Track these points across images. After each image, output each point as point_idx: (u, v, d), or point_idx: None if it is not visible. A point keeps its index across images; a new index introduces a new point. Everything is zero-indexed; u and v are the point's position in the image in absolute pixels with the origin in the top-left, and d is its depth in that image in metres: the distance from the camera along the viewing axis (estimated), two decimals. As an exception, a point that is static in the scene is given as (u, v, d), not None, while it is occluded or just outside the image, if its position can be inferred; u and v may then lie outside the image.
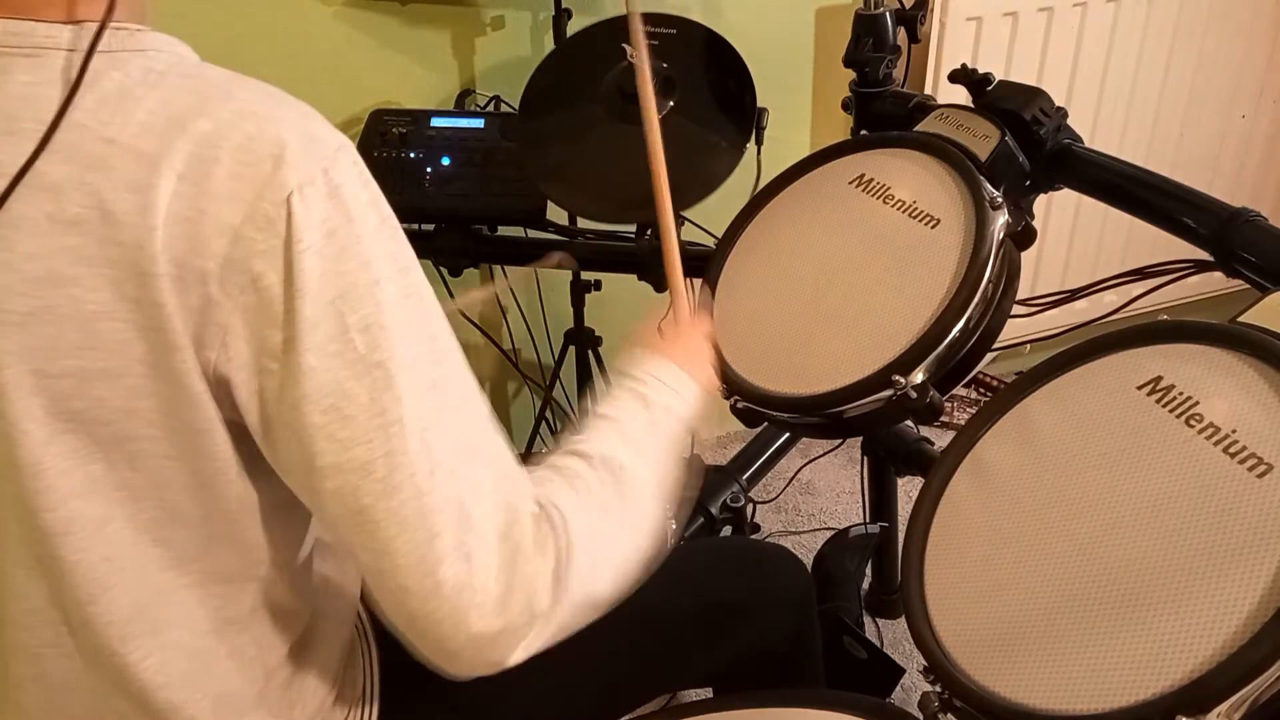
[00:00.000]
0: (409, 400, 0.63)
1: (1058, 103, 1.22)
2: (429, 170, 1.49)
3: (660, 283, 1.51)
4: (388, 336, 0.63)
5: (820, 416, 1.06)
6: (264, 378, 0.62)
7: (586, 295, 1.74)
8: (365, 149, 1.50)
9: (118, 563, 0.67)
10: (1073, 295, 1.31)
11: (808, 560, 1.65)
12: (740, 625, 1.01)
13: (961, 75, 1.27)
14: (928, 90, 1.83)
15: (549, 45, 1.64)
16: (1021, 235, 1.10)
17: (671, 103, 1.35)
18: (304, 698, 0.80)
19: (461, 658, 0.67)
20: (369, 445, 0.63)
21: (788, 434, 1.68)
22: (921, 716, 0.82)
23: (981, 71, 1.25)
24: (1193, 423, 0.80)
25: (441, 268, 1.59)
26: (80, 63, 0.61)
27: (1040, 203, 1.25)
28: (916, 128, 1.24)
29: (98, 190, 0.60)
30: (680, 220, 1.54)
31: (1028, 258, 1.14)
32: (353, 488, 0.63)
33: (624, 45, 1.32)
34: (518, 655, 0.67)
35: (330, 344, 0.62)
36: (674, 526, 0.86)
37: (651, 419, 0.81)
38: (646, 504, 0.78)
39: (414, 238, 1.64)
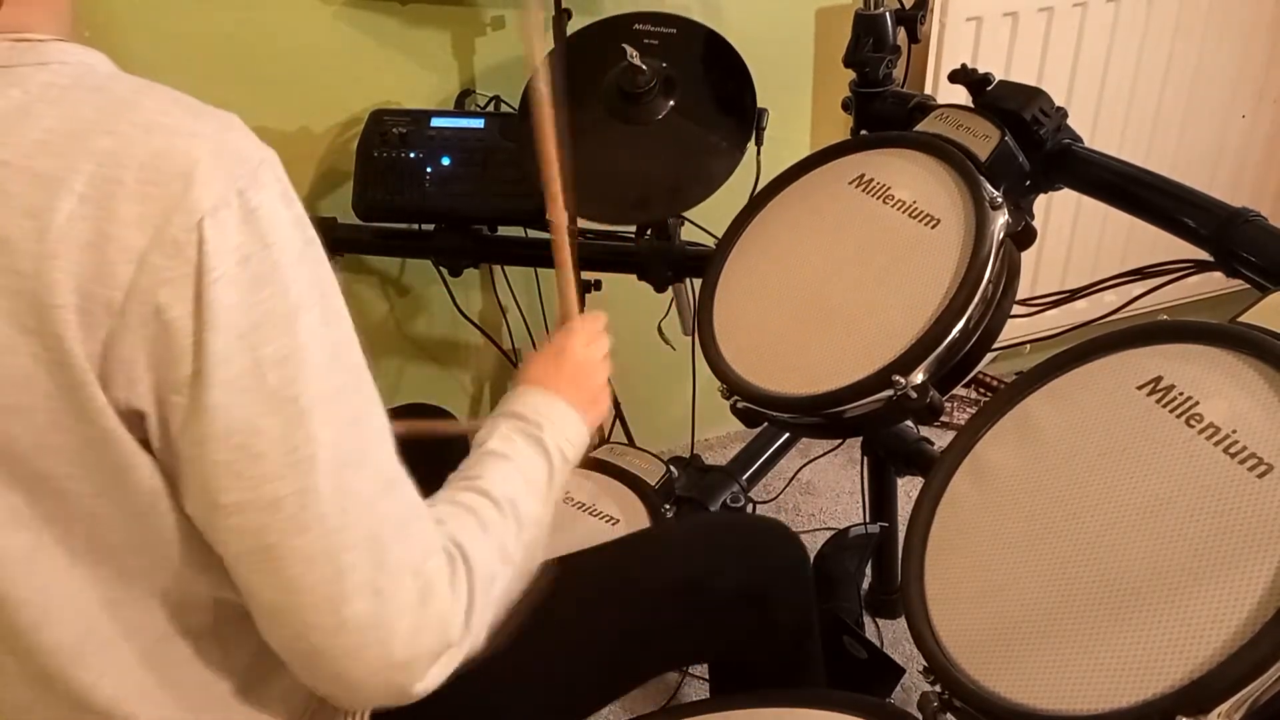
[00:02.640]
0: (324, 435, 0.60)
1: (1058, 103, 1.22)
2: (429, 170, 1.49)
3: (661, 283, 1.51)
4: (304, 369, 0.60)
5: (820, 416, 1.06)
6: (166, 409, 0.59)
7: (586, 295, 1.74)
8: (365, 149, 1.50)
9: (56, 589, 0.65)
10: (1073, 295, 1.31)
11: (808, 560, 1.65)
12: (734, 601, 1.00)
13: (961, 75, 1.27)
14: (928, 90, 1.83)
15: (549, 45, 1.64)
16: (1021, 235, 1.10)
17: (671, 103, 1.35)
18: (286, 692, 0.77)
19: (362, 691, 0.65)
20: (279, 483, 0.60)
21: (788, 434, 1.68)
22: (921, 716, 0.82)
23: (981, 71, 1.25)
24: (1193, 423, 0.80)
25: (441, 268, 1.59)
26: None
27: (1040, 203, 1.25)
28: (916, 128, 1.24)
29: None
30: (680, 220, 1.54)
31: (1028, 258, 1.14)
32: (258, 525, 0.60)
33: (624, 46, 1.32)
34: (421, 688, 0.66)
35: (241, 379, 0.58)
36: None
37: (549, 466, 0.80)
38: (536, 548, 0.77)
39: (414, 238, 1.66)
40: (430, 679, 0.66)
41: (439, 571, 0.66)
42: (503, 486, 0.75)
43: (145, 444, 0.61)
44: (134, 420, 0.60)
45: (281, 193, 0.61)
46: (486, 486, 0.74)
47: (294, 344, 0.59)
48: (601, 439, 0.86)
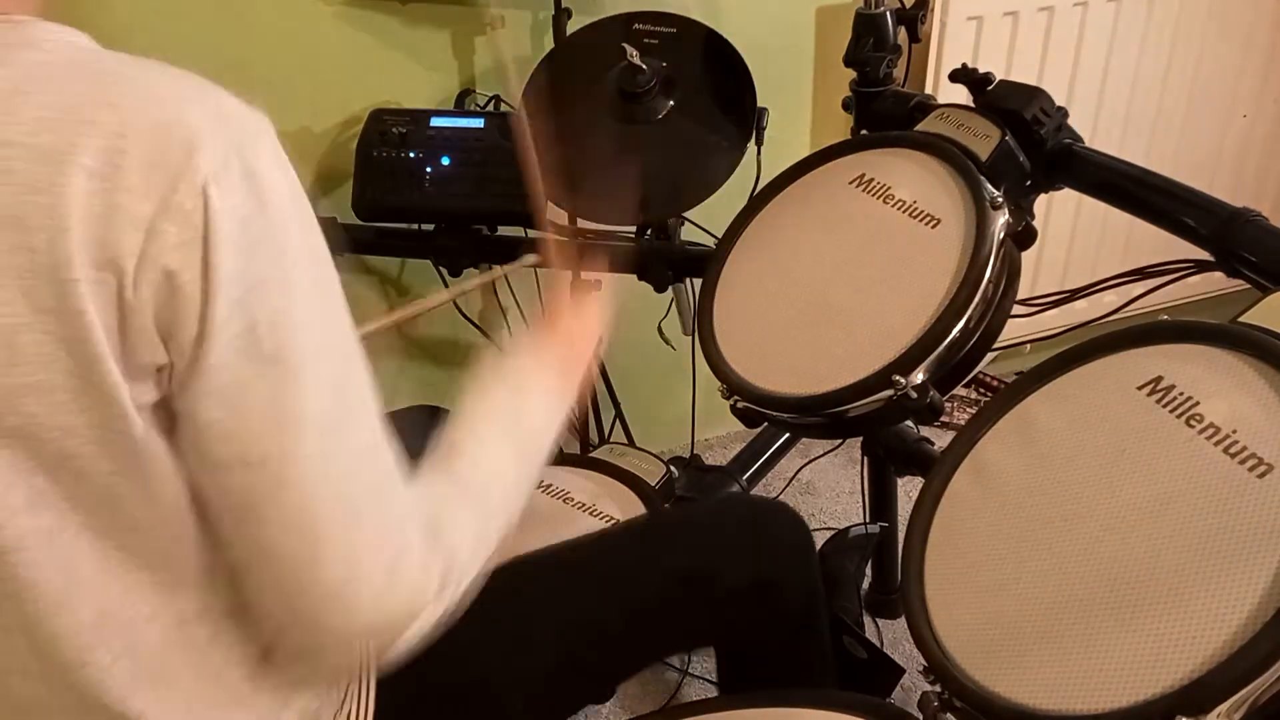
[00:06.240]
0: (311, 399, 0.62)
1: (1058, 103, 1.22)
2: (429, 170, 1.49)
3: (661, 283, 1.51)
4: (295, 332, 0.61)
5: (820, 416, 1.06)
6: (171, 367, 0.60)
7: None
8: (365, 149, 1.50)
9: (77, 573, 0.65)
10: (1073, 295, 1.31)
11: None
12: (740, 585, 1.00)
13: (962, 75, 1.27)
14: (928, 90, 1.83)
15: (549, 45, 1.64)
16: (1022, 235, 1.10)
17: (671, 102, 1.35)
18: (300, 678, 0.77)
19: (331, 651, 0.69)
20: (263, 443, 0.61)
21: (788, 434, 1.68)
22: (921, 716, 0.82)
23: (982, 71, 1.25)
24: (1193, 423, 0.80)
25: (441, 267, 1.59)
26: None
27: (1040, 203, 1.25)
28: (917, 127, 1.24)
29: None
30: (680, 220, 1.54)
31: (1028, 258, 1.14)
32: (243, 484, 0.62)
33: (624, 45, 1.32)
34: (397, 646, 0.69)
35: (236, 340, 0.59)
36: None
37: (511, 395, 0.83)
38: (515, 501, 0.79)
39: (414, 238, 1.66)
40: (407, 636, 0.68)
41: (413, 541, 0.67)
42: (478, 445, 0.77)
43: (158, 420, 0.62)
44: (159, 378, 0.61)
45: (277, 158, 0.62)
46: (462, 451, 0.77)
47: (287, 307, 0.61)
48: (585, 415, 0.92)
